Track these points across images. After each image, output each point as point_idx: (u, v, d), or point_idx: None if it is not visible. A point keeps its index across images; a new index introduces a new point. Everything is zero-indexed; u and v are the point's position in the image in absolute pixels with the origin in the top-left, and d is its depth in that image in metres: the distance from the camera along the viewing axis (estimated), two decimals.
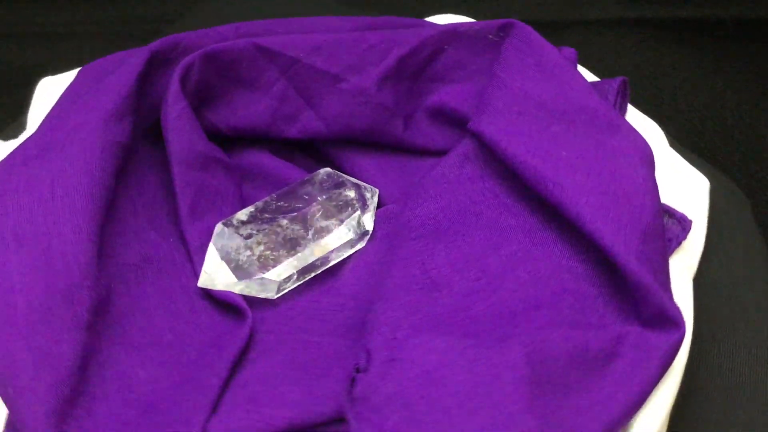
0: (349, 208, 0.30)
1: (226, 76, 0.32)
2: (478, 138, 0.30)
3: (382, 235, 0.31)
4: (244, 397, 0.26)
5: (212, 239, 0.29)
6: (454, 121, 0.34)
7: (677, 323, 0.25)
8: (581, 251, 0.28)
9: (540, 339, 0.25)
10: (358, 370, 0.25)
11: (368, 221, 0.30)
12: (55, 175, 0.26)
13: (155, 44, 0.30)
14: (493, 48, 0.34)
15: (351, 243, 0.30)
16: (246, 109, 0.32)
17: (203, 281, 0.28)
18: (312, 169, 0.33)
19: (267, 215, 0.29)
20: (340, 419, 0.25)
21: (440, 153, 0.34)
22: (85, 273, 0.25)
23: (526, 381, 0.24)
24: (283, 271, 0.28)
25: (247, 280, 0.28)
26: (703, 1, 0.55)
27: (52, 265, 0.25)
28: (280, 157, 0.34)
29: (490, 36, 0.34)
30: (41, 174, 0.26)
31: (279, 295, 0.29)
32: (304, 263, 0.29)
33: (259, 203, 0.30)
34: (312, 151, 0.35)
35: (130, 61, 0.29)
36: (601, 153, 0.29)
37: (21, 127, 0.37)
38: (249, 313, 0.28)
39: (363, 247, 0.31)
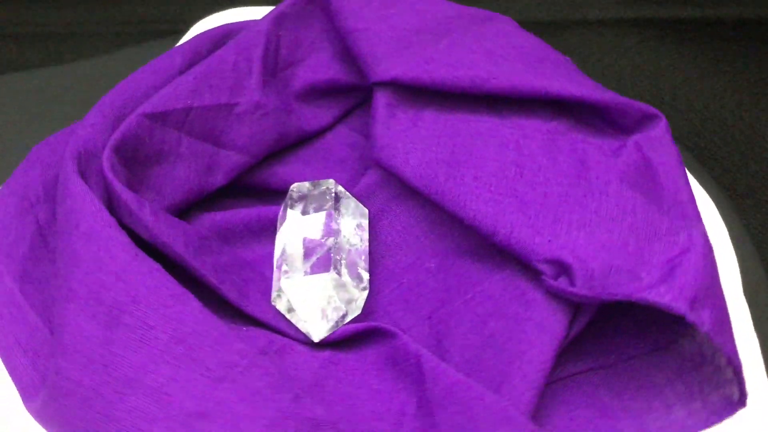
0: (347, 200, 0.31)
1: (135, 162, 0.29)
2: (390, 85, 0.31)
3: (384, 203, 0.32)
4: (525, 384, 0.26)
5: (279, 303, 0.28)
6: (328, 91, 0.35)
7: (655, 113, 0.31)
8: (549, 113, 0.32)
9: (618, 172, 0.30)
10: (556, 278, 0.27)
11: (359, 203, 0.31)
12: (176, 325, 0.24)
13: (76, 166, 0.27)
14: (316, 16, 0.35)
15: (363, 227, 0.31)
16: (170, 184, 0.30)
17: (317, 333, 0.28)
18: (249, 203, 0.33)
19: (295, 252, 0.29)
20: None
21: (332, 125, 0.36)
22: (289, 381, 0.25)
23: (647, 203, 0.29)
24: (359, 280, 0.29)
25: (338, 307, 0.28)
26: (703, 1, 0.55)
27: (259, 398, 0.24)
28: (213, 210, 0.32)
29: (308, 6, 0.34)
30: (149, 342, 0.24)
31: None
32: (365, 265, 0.30)
33: (284, 248, 0.29)
34: (231, 190, 0.33)
35: (77, 193, 0.26)
36: (494, 40, 0.33)
37: None
38: (386, 326, 0.28)
39: (378, 224, 0.32)
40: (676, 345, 0.28)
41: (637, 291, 0.25)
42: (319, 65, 0.35)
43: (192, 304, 0.25)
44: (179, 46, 0.32)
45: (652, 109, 0.31)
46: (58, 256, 0.26)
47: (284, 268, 0.29)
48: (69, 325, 0.24)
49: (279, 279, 0.29)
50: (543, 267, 0.27)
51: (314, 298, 0.28)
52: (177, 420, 0.23)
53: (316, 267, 0.28)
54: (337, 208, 0.30)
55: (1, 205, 0.29)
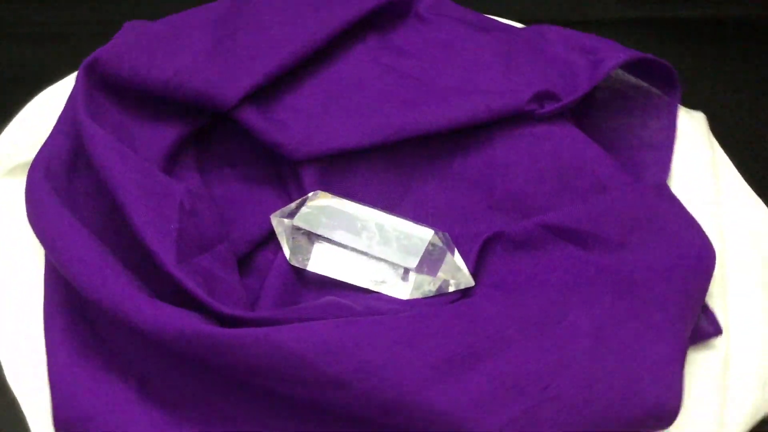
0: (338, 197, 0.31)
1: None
2: (251, 96, 0.33)
3: (342, 185, 0.33)
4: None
5: (416, 293, 0.29)
6: (180, 148, 0.34)
7: None
8: (357, 35, 0.36)
9: (462, 32, 0.37)
10: (544, 107, 0.33)
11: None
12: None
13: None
14: (99, 96, 0.34)
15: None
16: (232, 298, 0.29)
17: (468, 278, 0.29)
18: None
19: (347, 256, 0.29)
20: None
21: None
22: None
23: (506, 34, 0.38)
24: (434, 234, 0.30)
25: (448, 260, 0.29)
26: (703, 1, 0.55)
27: None
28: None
29: (91, 90, 0.34)
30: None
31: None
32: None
33: (365, 260, 0.29)
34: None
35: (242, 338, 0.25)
36: (273, 5, 0.36)
37: None
38: (482, 236, 0.30)
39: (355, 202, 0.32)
40: (607, 96, 0.37)
41: (605, 67, 0.34)
42: (153, 132, 0.33)
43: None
44: (38, 210, 0.29)
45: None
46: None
47: (395, 267, 0.29)
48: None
49: (404, 284, 0.29)
50: (531, 107, 0.32)
51: (444, 264, 0.29)
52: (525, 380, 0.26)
53: (407, 246, 0.29)
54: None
55: None
